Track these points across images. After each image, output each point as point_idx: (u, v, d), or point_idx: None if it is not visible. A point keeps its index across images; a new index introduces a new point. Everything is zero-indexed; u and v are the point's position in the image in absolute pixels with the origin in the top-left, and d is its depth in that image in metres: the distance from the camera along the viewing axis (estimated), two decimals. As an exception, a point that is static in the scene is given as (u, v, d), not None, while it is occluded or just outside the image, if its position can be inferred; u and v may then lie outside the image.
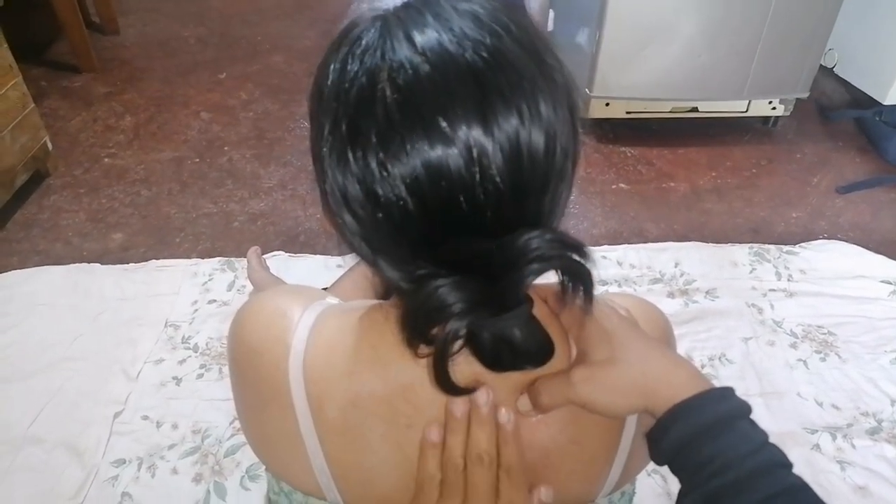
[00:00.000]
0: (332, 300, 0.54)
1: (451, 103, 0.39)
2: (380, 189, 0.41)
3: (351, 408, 0.48)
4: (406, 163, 0.40)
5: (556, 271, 0.42)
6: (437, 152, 0.39)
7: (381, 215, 0.42)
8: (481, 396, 0.45)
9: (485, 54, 0.40)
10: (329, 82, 0.44)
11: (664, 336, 0.57)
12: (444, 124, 0.39)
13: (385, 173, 0.40)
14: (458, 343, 0.41)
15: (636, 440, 0.53)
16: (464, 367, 0.44)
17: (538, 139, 0.41)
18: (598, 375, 0.46)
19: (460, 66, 0.40)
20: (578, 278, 0.42)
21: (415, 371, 0.47)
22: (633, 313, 0.53)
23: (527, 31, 0.44)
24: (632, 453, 0.53)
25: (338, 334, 0.50)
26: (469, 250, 0.40)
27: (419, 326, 0.41)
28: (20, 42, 1.98)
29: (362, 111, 0.41)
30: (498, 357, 0.43)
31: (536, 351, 0.43)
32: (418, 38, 0.41)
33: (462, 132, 0.39)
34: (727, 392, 0.46)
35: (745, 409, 0.45)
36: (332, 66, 0.45)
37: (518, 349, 0.43)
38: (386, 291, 0.55)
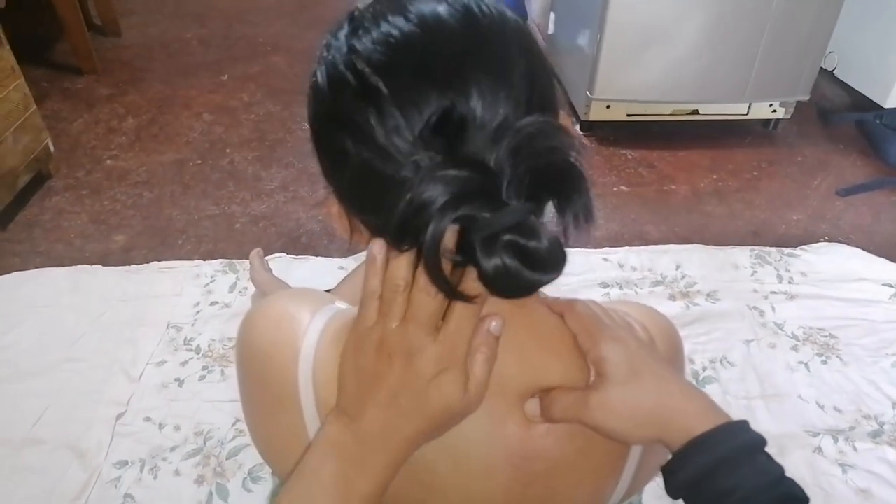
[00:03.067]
0: (340, 304, 0.54)
1: None
2: (351, 76, 0.40)
3: None
4: (369, 37, 0.41)
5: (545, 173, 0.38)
6: (398, 28, 0.40)
7: (361, 103, 0.40)
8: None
9: None
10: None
11: (677, 353, 0.57)
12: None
13: (354, 54, 0.41)
14: (449, 247, 0.37)
15: (645, 454, 0.53)
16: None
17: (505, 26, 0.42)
18: (613, 401, 0.46)
19: None
20: (570, 182, 0.38)
21: None
22: (649, 328, 0.53)
23: None
24: (641, 465, 0.53)
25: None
26: (453, 132, 0.38)
27: (407, 238, 0.38)
28: (22, 43, 1.98)
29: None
30: (501, 271, 0.37)
31: (546, 256, 0.37)
32: None
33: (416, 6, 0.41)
34: (743, 425, 0.46)
35: (761, 441, 0.46)
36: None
37: (525, 253, 0.37)
38: None
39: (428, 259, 0.37)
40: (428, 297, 0.40)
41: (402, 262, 0.40)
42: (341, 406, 0.45)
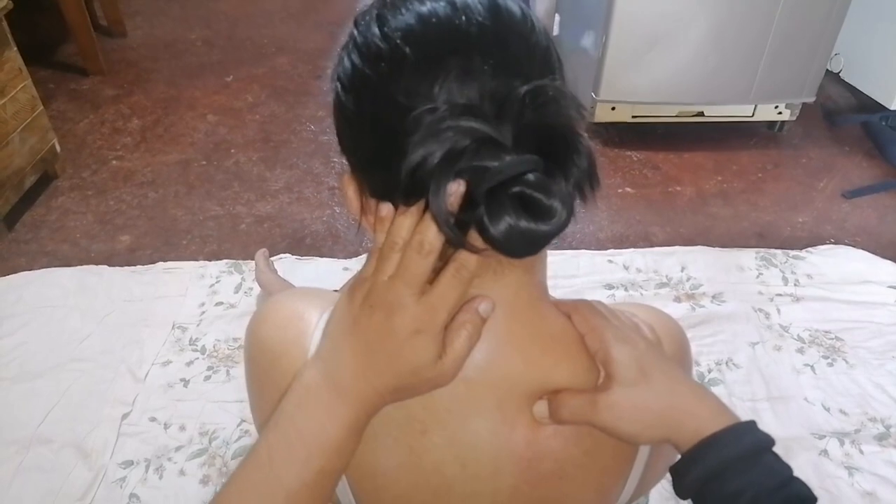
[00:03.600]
0: None
1: None
2: (381, 43, 0.42)
3: None
4: (402, 18, 0.42)
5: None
6: (426, 7, 0.42)
7: (383, 65, 0.42)
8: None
9: None
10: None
11: (684, 354, 0.57)
12: None
13: (385, 29, 0.42)
14: (456, 192, 0.38)
15: (652, 455, 0.53)
16: None
17: (513, 6, 0.44)
18: (623, 403, 0.46)
19: None
20: (569, 139, 0.41)
21: None
22: (656, 329, 0.53)
23: None
24: (648, 466, 0.53)
25: None
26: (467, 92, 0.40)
27: (415, 192, 0.40)
28: (28, 44, 1.99)
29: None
30: (508, 226, 0.38)
31: (550, 208, 0.38)
32: None
33: None
34: (751, 425, 0.46)
35: (769, 442, 0.46)
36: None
37: (529, 203, 0.38)
38: None
39: (434, 203, 0.38)
40: (418, 256, 0.41)
41: (405, 221, 0.41)
42: (320, 351, 0.46)
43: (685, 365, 0.57)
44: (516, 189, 0.38)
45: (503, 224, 0.38)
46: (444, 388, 0.45)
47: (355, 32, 0.45)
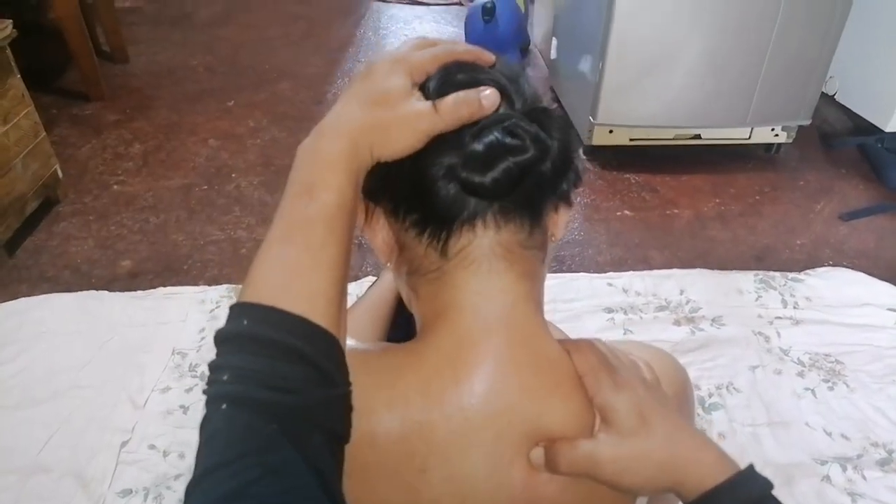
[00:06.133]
0: (349, 342, 0.54)
1: None
2: None
3: (367, 448, 0.48)
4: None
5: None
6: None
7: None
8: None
9: None
10: None
11: (683, 394, 0.57)
12: None
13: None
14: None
15: (651, 501, 0.53)
16: None
17: None
18: (625, 455, 0.46)
19: None
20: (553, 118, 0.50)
21: (432, 410, 0.47)
22: (655, 369, 0.53)
23: None
24: None
25: (356, 375, 0.50)
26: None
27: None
28: (32, 70, 2.02)
29: None
30: (493, 143, 0.46)
31: (526, 141, 0.47)
32: None
33: None
34: (752, 472, 0.47)
35: (770, 486, 0.46)
36: None
37: (503, 142, 0.46)
38: (407, 299, 0.57)
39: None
40: (426, 53, 0.50)
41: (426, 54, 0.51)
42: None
43: (685, 405, 0.57)
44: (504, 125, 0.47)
45: (489, 139, 0.46)
46: (443, 420, 0.46)
47: None
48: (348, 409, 0.44)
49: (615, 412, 0.47)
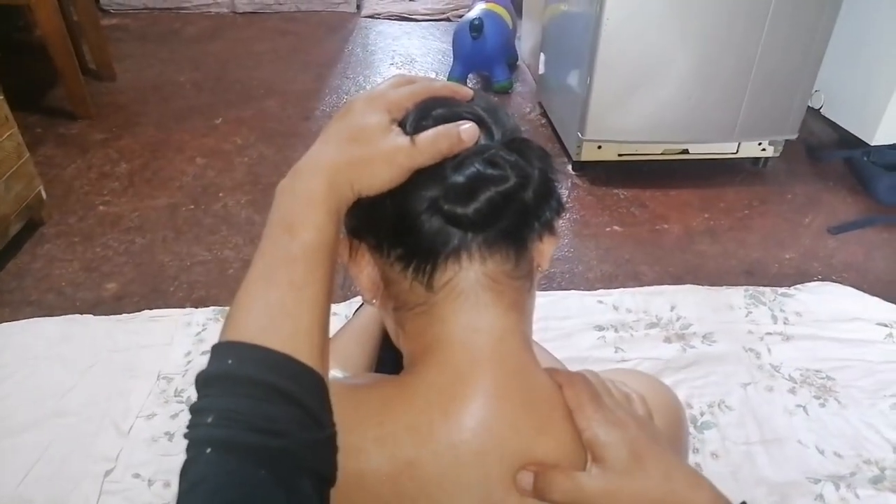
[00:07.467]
0: (336, 373, 0.53)
1: None
2: None
3: (356, 489, 0.47)
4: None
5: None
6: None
7: None
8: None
9: None
10: None
11: (678, 426, 0.56)
12: None
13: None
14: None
15: None
16: None
17: None
18: (617, 494, 0.46)
19: None
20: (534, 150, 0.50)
21: (421, 447, 0.47)
22: (648, 401, 0.53)
23: None
24: None
25: (344, 410, 0.49)
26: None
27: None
28: (17, 89, 2.00)
29: None
30: (475, 175, 0.46)
31: (507, 170, 0.47)
32: None
33: None
34: None
35: None
36: None
37: (484, 173, 0.46)
38: (394, 333, 0.56)
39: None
40: (403, 90, 0.50)
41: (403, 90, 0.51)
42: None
43: (678, 439, 0.56)
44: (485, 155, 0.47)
45: (470, 170, 0.46)
46: (432, 458, 0.45)
47: None
48: (334, 450, 0.44)
49: (605, 449, 0.46)
